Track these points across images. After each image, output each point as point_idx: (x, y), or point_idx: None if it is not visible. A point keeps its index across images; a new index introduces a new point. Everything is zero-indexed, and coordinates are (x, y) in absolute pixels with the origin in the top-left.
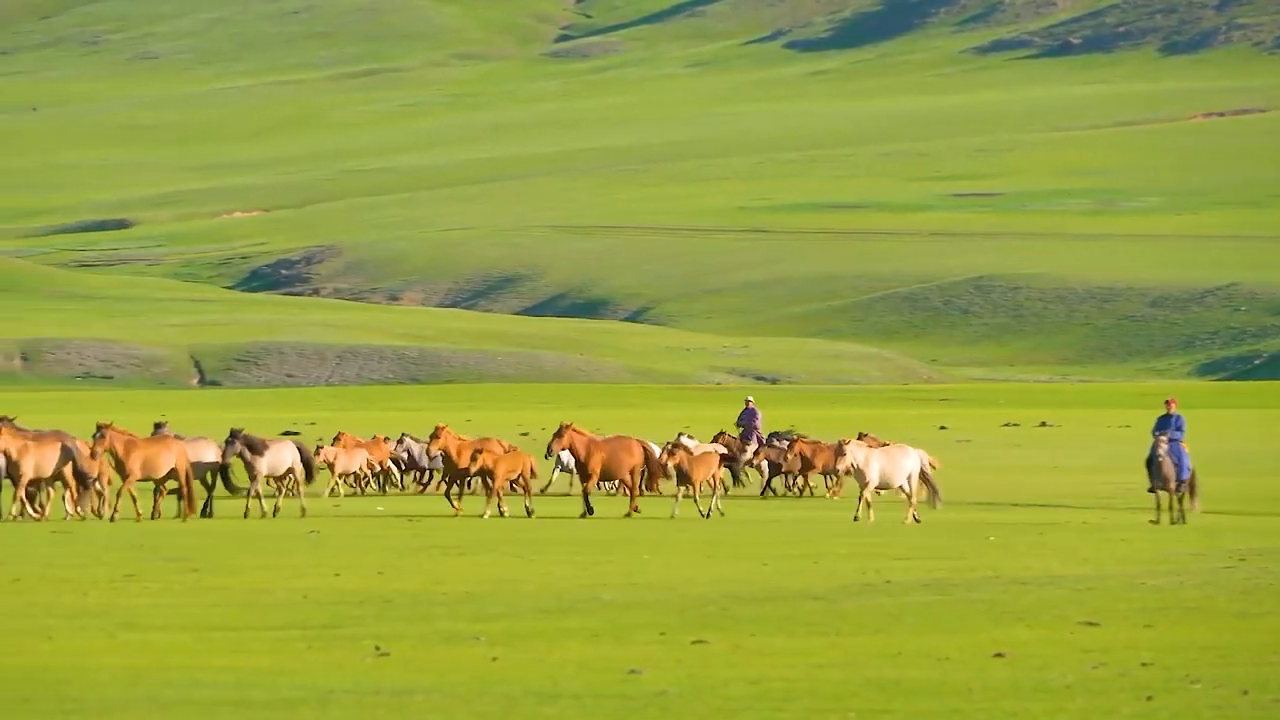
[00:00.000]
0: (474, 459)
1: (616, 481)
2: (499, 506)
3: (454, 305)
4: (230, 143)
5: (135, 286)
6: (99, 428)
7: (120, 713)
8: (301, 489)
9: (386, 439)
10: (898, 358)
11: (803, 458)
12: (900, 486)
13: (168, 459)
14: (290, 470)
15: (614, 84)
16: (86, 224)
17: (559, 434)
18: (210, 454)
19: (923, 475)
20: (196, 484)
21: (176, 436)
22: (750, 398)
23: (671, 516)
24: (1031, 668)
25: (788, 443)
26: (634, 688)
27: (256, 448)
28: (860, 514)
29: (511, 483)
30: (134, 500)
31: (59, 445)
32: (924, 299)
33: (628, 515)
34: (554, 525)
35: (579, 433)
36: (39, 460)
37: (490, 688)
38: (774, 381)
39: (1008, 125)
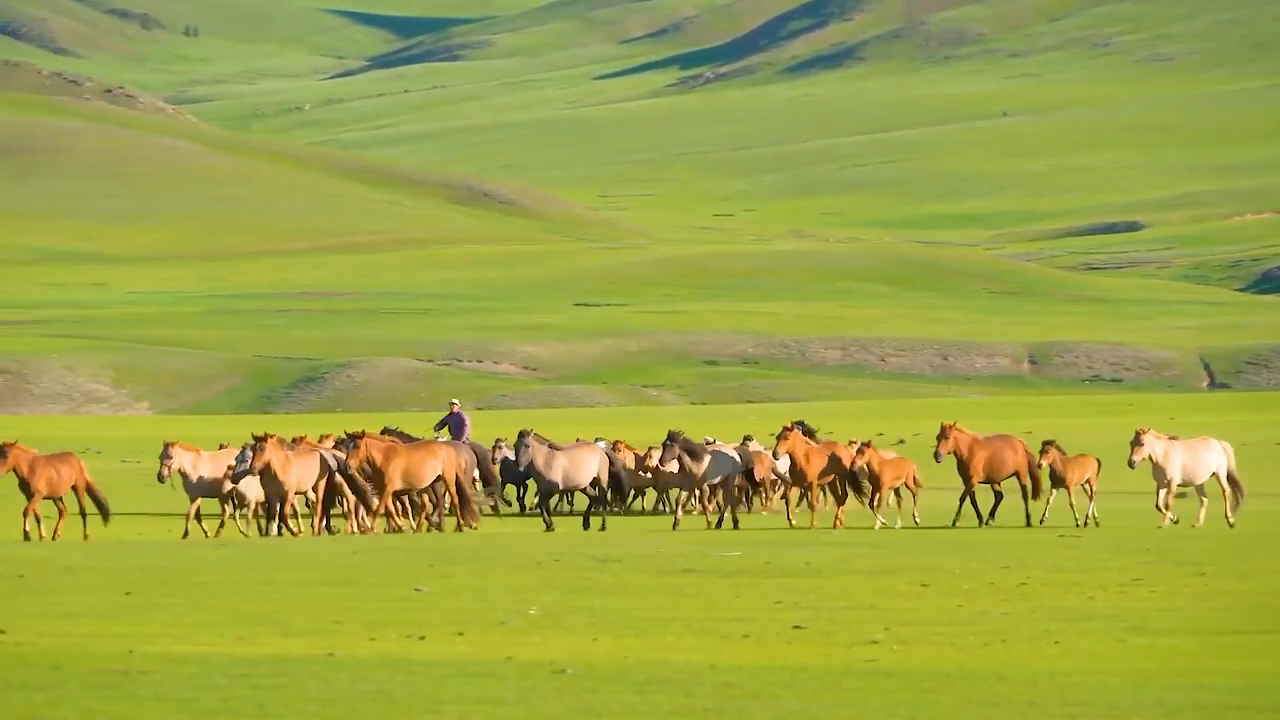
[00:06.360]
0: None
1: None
2: (882, 516)
3: None
4: (1242, 144)
5: (1145, 289)
6: (350, 437)
7: (1127, 717)
8: (724, 499)
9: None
10: None
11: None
12: (1201, 484)
13: (433, 467)
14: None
15: None
16: (1096, 226)
17: (943, 435)
18: (593, 463)
19: (1229, 473)
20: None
21: (546, 441)
22: (455, 401)
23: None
24: None
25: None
26: None
27: (696, 453)
28: (1167, 518)
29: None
30: (391, 515)
31: (317, 458)
32: None
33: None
34: None
35: (962, 432)
36: (300, 475)
37: None
38: None
39: None
